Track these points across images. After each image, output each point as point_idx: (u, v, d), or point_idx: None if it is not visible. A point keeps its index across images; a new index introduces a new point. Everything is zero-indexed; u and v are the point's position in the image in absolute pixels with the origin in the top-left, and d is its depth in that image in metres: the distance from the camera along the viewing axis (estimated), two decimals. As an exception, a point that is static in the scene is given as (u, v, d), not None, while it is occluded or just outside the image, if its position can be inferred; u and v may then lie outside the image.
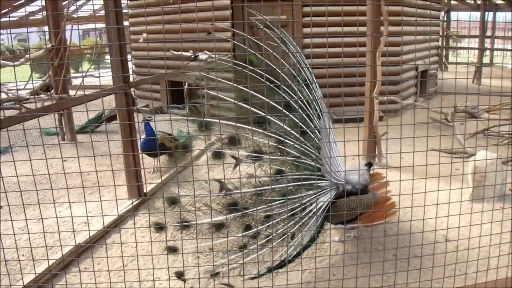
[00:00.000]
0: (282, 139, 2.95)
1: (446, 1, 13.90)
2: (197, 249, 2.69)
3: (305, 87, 3.05)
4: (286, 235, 2.88)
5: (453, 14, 15.18)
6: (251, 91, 2.91)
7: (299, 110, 2.96)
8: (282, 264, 2.81)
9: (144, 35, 8.83)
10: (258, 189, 2.91)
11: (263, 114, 2.90)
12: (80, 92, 6.05)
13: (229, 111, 3.00)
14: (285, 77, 2.97)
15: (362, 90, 6.22)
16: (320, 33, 6.73)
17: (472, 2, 13.79)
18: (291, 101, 2.95)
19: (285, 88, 2.96)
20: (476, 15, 13.64)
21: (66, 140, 6.99)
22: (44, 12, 10.64)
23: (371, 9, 5.22)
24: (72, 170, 4.93)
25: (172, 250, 2.81)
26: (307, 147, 3.01)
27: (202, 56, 6.52)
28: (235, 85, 2.93)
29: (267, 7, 6.62)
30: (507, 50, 15.14)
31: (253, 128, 2.95)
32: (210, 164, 2.74)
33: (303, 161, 3.01)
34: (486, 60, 14.58)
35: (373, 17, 5.16)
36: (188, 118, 2.86)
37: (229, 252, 2.76)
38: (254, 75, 2.92)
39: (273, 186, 2.94)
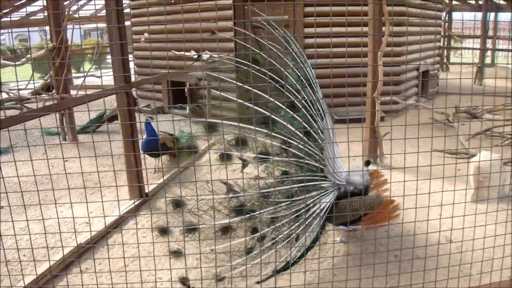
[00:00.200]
0: (288, 140, 2.94)
1: (447, 1, 13.87)
2: (200, 252, 2.67)
3: (308, 87, 3.04)
4: (291, 237, 2.87)
5: (455, 15, 15.18)
6: (257, 91, 2.90)
7: (303, 110, 2.95)
8: (286, 266, 2.80)
9: (146, 34, 8.82)
10: (265, 190, 2.90)
11: (270, 114, 2.89)
12: (81, 92, 6.04)
13: (233, 112, 2.98)
14: (290, 77, 2.96)
15: (363, 90, 6.21)
16: (322, 33, 6.72)
17: (474, 2, 13.76)
18: (295, 101, 2.94)
19: (289, 88, 2.95)
20: (478, 15, 13.63)
21: (67, 140, 6.98)
22: (45, 12, 10.65)
23: (373, 9, 5.21)
24: (73, 170, 4.92)
25: (177, 254, 2.77)
26: (311, 148, 3.00)
27: (204, 56, 6.52)
28: (240, 84, 2.91)
29: (268, 7, 6.61)
30: (508, 50, 15.10)
31: (260, 129, 2.93)
32: (214, 164, 2.72)
33: (307, 162, 3.00)
34: (488, 60, 14.55)
35: (374, 17, 5.14)
36: (195, 119, 2.84)
37: (236, 255, 2.75)
38: (260, 75, 2.90)
39: (279, 188, 2.93)
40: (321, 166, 3.05)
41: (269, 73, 2.89)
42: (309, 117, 2.98)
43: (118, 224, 3.92)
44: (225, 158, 2.88)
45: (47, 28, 9.27)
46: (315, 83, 3.06)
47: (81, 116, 7.67)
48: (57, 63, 6.48)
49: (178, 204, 2.80)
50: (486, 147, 4.67)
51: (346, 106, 7.09)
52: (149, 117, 5.10)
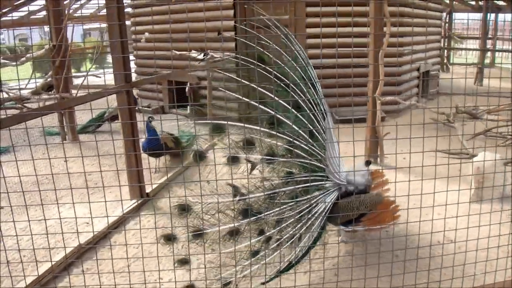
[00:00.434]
0: (293, 140, 2.94)
1: (448, 2, 13.87)
2: (204, 259, 2.65)
3: (311, 87, 3.04)
4: (295, 237, 2.87)
5: (456, 15, 15.17)
6: (264, 91, 2.90)
7: (307, 110, 2.95)
8: (290, 266, 2.81)
9: (146, 34, 8.81)
10: (271, 192, 2.90)
11: (276, 114, 2.89)
12: (82, 92, 6.03)
13: (237, 112, 2.98)
14: (294, 76, 2.96)
15: (364, 91, 6.20)
16: (324, 34, 6.71)
17: (474, 3, 13.76)
18: (300, 101, 2.94)
19: (294, 87, 2.95)
20: (478, 16, 13.63)
21: (68, 140, 6.97)
22: (45, 12, 10.63)
23: (373, 9, 5.20)
24: (73, 171, 4.91)
25: (183, 263, 2.74)
26: (314, 148, 3.00)
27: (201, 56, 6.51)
28: (247, 83, 2.91)
29: (269, 7, 6.60)
30: (508, 51, 15.10)
31: (267, 130, 2.93)
32: (219, 164, 2.70)
33: (311, 163, 3.00)
34: (487, 61, 14.55)
35: (375, 17, 5.14)
36: (200, 121, 2.84)
37: (243, 258, 2.74)
38: (267, 74, 2.90)
39: (285, 188, 2.93)
40: (323, 166, 3.05)
41: (275, 72, 2.89)
42: (312, 117, 2.98)
43: (118, 225, 3.91)
44: (235, 159, 2.88)
45: (47, 27, 9.26)
46: (317, 82, 3.06)
47: (81, 116, 7.66)
48: (57, 62, 6.47)
49: (183, 208, 2.77)
50: (487, 147, 4.66)
51: (351, 106, 7.08)
52: (150, 117, 5.09)
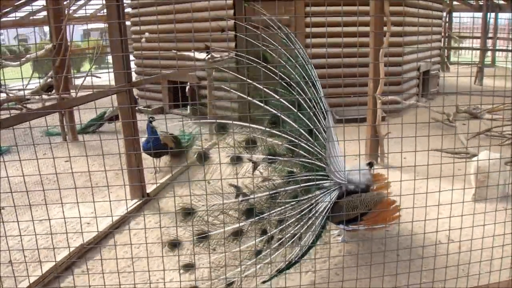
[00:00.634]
0: (295, 140, 2.94)
1: (448, 1, 13.86)
2: (209, 259, 2.65)
3: (312, 86, 3.05)
4: (296, 236, 2.88)
5: (455, 15, 15.18)
6: (267, 90, 2.90)
7: (308, 109, 2.95)
8: (290, 265, 2.82)
9: (147, 34, 8.81)
10: (273, 191, 2.91)
11: (277, 113, 2.89)
12: (82, 92, 6.02)
13: (238, 111, 2.98)
14: (296, 75, 2.97)
15: (365, 90, 6.19)
16: (323, 33, 6.70)
17: (474, 2, 13.76)
18: (300, 100, 2.94)
19: (296, 86, 2.95)
20: (479, 16, 13.63)
21: (68, 140, 6.96)
22: (45, 13, 10.64)
23: (374, 8, 5.20)
24: (74, 171, 4.90)
25: (188, 267, 2.73)
26: (315, 148, 3.00)
27: (201, 55, 6.50)
28: (250, 82, 2.91)
29: (269, 7, 6.61)
30: (508, 50, 15.10)
31: (269, 129, 2.94)
32: (222, 163, 2.70)
33: (312, 162, 3.00)
34: (488, 60, 14.56)
35: (375, 18, 5.15)
36: (203, 120, 2.84)
37: (246, 258, 2.74)
38: (270, 73, 2.91)
39: (286, 188, 2.94)
40: (324, 165, 3.05)
41: (277, 71, 2.90)
42: (313, 116, 2.98)
43: (120, 225, 3.91)
44: (238, 159, 2.88)
45: (47, 28, 9.25)
46: (317, 81, 3.06)
47: (82, 116, 7.65)
48: (58, 62, 6.46)
49: (188, 212, 2.75)
50: (487, 146, 4.65)
51: (350, 106, 7.07)
52: (151, 117, 5.08)
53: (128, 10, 10.07)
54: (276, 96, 2.94)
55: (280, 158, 2.98)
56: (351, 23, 6.68)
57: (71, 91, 6.78)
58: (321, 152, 3.02)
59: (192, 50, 7.06)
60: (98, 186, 4.40)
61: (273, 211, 2.87)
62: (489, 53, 14.83)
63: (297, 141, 2.96)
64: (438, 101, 8.97)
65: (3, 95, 7.73)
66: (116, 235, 3.76)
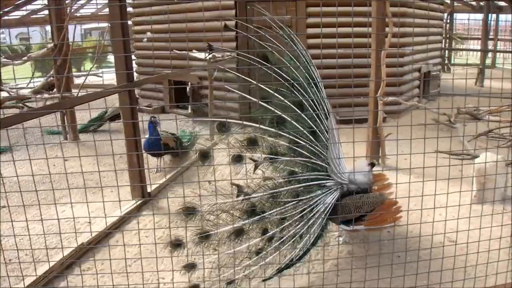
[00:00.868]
0: (296, 139, 2.94)
1: (449, 2, 13.87)
2: (217, 258, 2.65)
3: (314, 87, 3.05)
4: (296, 236, 2.88)
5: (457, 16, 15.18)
6: (269, 90, 2.91)
7: (310, 109, 2.95)
8: (291, 264, 2.83)
9: (149, 34, 8.80)
10: (275, 190, 2.91)
11: (279, 113, 2.90)
12: (83, 92, 6.02)
13: (237, 111, 2.99)
14: (298, 75, 2.97)
15: (364, 91, 6.19)
16: (325, 34, 6.70)
17: (475, 3, 13.76)
18: (303, 100, 2.94)
19: (298, 87, 2.95)
20: (479, 17, 13.64)
21: (69, 139, 6.96)
22: (46, 12, 10.63)
23: (376, 9, 5.20)
24: (74, 170, 4.90)
25: (190, 267, 2.73)
26: (317, 148, 3.00)
27: (200, 54, 6.50)
28: (254, 82, 2.91)
29: (269, 7, 6.61)
30: (508, 52, 15.09)
31: (270, 129, 2.94)
32: (221, 164, 2.70)
33: (314, 162, 3.00)
34: (488, 62, 14.54)
35: (377, 17, 5.14)
36: (206, 119, 2.85)
37: (247, 257, 2.75)
38: (272, 73, 2.91)
39: (288, 187, 2.95)
40: (325, 165, 3.05)
41: (279, 71, 2.90)
42: (315, 116, 2.98)
43: (120, 224, 3.91)
44: (240, 159, 2.88)
45: (48, 27, 9.25)
46: (320, 82, 3.06)
47: (83, 116, 7.65)
48: (59, 61, 6.46)
49: (190, 212, 2.76)
50: (489, 148, 4.65)
51: (351, 106, 7.06)
52: (153, 117, 5.09)
53: (129, 9, 10.06)
54: (277, 95, 2.93)
55: (281, 157, 2.98)
56: (350, 23, 6.67)
57: (73, 90, 6.79)
58: (322, 152, 3.02)
59: (193, 50, 7.07)
60: (97, 187, 4.39)
61: (273, 211, 2.87)
62: (489, 55, 14.81)
63: (298, 140, 2.96)
64: (439, 102, 8.97)
65: (5, 93, 7.73)
66: (116, 234, 3.76)
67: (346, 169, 3.17)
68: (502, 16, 14.62)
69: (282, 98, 2.93)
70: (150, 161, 5.55)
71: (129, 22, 9.66)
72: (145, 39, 8.83)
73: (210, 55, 6.03)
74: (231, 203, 2.78)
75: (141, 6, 9.47)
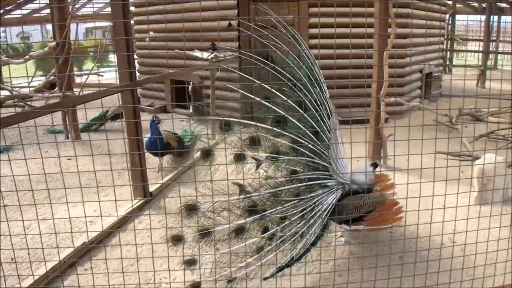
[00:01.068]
0: (298, 139, 2.94)
1: (450, 3, 13.86)
2: (215, 257, 2.65)
3: (317, 86, 3.04)
4: (297, 234, 2.88)
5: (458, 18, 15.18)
6: (273, 90, 2.91)
7: (312, 109, 2.95)
8: (292, 262, 2.83)
9: (151, 33, 8.80)
10: (276, 189, 2.91)
11: (282, 112, 2.90)
12: (85, 90, 6.02)
13: (239, 111, 2.99)
14: (301, 75, 2.97)
15: (366, 92, 6.19)
16: (327, 34, 6.70)
17: (477, 5, 13.76)
18: (305, 100, 2.94)
19: (301, 87, 2.95)
20: (482, 18, 13.63)
21: (70, 138, 6.96)
22: (48, 11, 10.63)
23: (379, 9, 5.20)
24: (76, 169, 4.89)
25: (191, 263, 2.74)
26: (319, 147, 3.00)
27: (204, 54, 6.50)
28: (258, 82, 2.91)
29: (272, 7, 6.60)
30: (509, 53, 15.09)
31: (273, 128, 2.94)
32: (223, 164, 2.70)
33: (315, 161, 3.00)
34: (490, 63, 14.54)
35: (380, 18, 5.14)
36: (209, 118, 2.86)
37: (248, 255, 2.75)
38: (275, 73, 2.91)
39: (289, 187, 2.95)
40: (327, 165, 3.05)
41: (283, 71, 2.90)
42: (318, 116, 2.98)
43: (122, 224, 3.90)
44: (242, 157, 2.88)
45: (49, 26, 9.26)
46: (323, 82, 3.06)
47: (84, 115, 7.65)
48: (61, 59, 6.46)
49: (191, 208, 2.77)
50: (491, 150, 4.65)
51: (350, 107, 7.06)
52: (155, 116, 5.08)
53: (131, 9, 10.06)
54: (280, 95, 2.94)
55: (283, 157, 2.98)
56: (353, 24, 6.67)
57: (74, 89, 6.79)
58: (324, 151, 3.03)
59: (195, 50, 7.07)
60: (99, 186, 4.39)
61: (274, 209, 2.87)
62: (491, 56, 14.81)
63: (300, 140, 2.96)
64: (441, 103, 8.97)
65: (6, 92, 7.73)
66: (118, 234, 3.76)
67: (348, 169, 3.17)
68: (503, 18, 14.64)
69: (283, 97, 2.92)
70: (153, 161, 5.55)
71: (131, 21, 9.66)
72: (148, 38, 8.83)
73: (212, 55, 6.03)
74: (232, 201, 2.78)
75: (143, 5, 9.47)
